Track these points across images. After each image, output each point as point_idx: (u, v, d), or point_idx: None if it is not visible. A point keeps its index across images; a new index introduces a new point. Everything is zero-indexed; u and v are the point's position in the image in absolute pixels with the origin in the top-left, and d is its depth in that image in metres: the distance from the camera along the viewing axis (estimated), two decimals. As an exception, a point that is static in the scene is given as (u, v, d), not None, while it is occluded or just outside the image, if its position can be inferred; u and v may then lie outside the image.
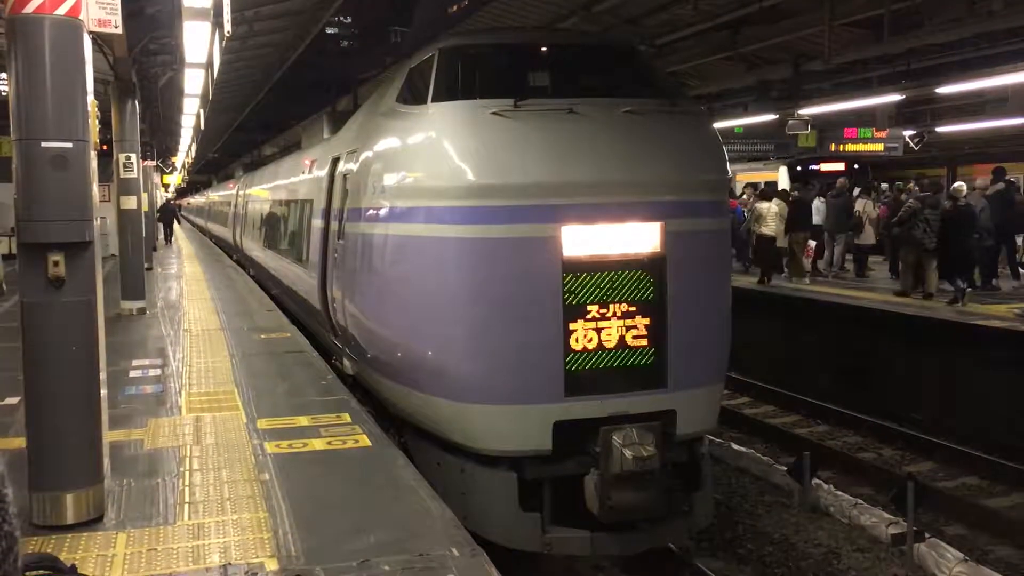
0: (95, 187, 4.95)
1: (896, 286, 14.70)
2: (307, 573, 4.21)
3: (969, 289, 13.20)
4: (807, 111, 17.00)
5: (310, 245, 10.12)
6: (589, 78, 7.39)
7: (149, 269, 17.71)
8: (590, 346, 6.19)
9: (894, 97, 16.00)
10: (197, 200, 56.31)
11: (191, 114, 20.14)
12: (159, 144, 25.40)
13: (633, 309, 6.27)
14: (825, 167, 23.12)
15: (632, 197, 6.33)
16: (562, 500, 6.32)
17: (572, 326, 6.14)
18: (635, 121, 6.54)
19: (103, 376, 5.04)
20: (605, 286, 6.21)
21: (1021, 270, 15.26)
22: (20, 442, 4.80)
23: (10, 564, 0.77)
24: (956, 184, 14.13)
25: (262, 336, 11.05)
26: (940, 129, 23.33)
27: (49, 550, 4.15)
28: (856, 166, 23.14)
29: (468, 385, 6.23)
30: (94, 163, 4.92)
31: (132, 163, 12.63)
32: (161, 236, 31.14)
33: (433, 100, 6.85)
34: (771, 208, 16.30)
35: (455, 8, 18.52)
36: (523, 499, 6.23)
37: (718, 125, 12.17)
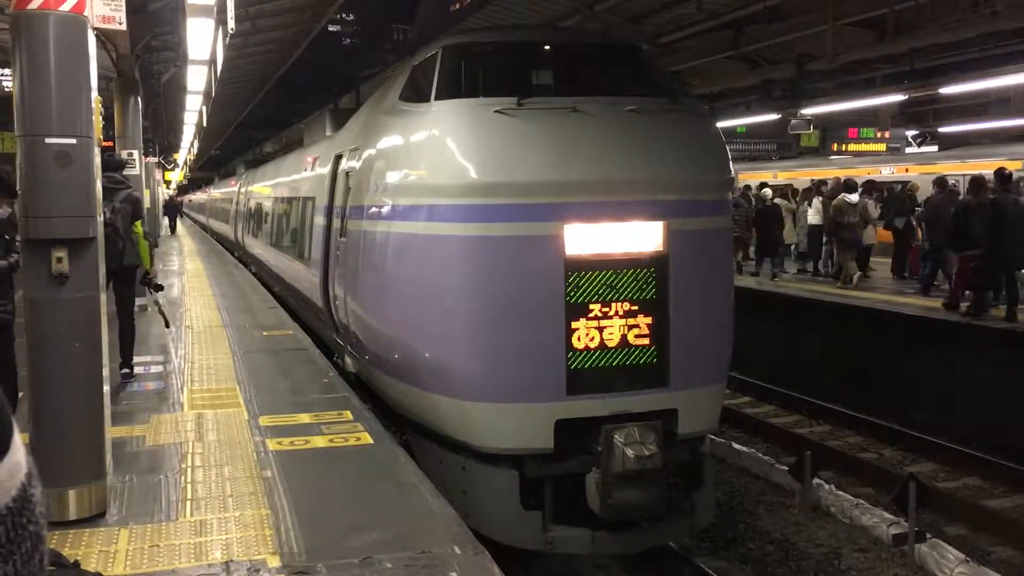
0: (99, 183, 4.96)
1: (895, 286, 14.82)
2: (309, 570, 4.21)
3: (781, 267, 16.61)
4: (810, 111, 17.00)
5: (312, 243, 10.12)
6: (592, 77, 7.38)
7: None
8: (592, 345, 6.18)
9: (897, 97, 15.99)
10: (199, 197, 56.17)
11: (193, 111, 20.21)
12: (161, 141, 25.47)
13: (635, 308, 6.26)
14: None
15: (635, 196, 6.32)
16: (564, 498, 6.32)
17: (574, 325, 6.13)
18: (638, 120, 6.52)
19: (106, 372, 5.04)
20: (608, 285, 6.20)
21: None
22: (23, 438, 4.81)
23: (35, 564, 0.77)
24: (764, 190, 17.43)
25: (264, 333, 11.05)
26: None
27: (52, 546, 4.15)
28: None
29: (470, 383, 6.22)
30: (98, 159, 4.92)
31: (134, 160, 12.64)
32: (165, 229, 32.55)
33: (436, 98, 6.84)
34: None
35: (457, 6, 18.53)
36: (524, 497, 6.22)
37: (720, 125, 12.16)
